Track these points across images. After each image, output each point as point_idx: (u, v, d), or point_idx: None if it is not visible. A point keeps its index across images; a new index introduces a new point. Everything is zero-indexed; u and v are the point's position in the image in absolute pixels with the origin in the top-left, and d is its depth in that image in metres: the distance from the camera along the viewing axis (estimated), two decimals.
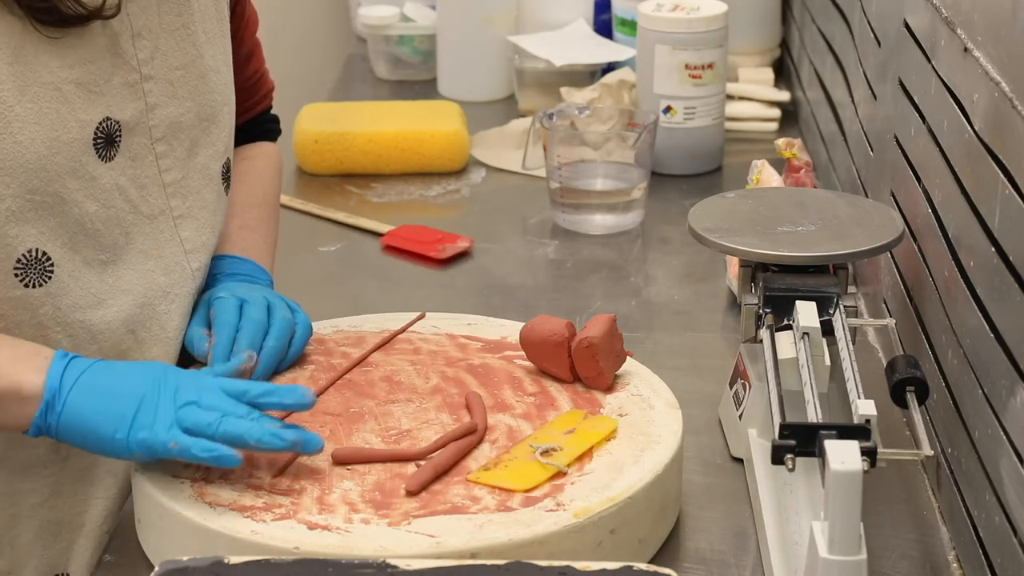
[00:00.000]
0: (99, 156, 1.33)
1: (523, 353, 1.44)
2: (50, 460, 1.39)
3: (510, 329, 1.51)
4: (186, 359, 1.44)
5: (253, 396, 1.28)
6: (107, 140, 1.33)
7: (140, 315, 1.39)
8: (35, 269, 1.31)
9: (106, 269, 1.36)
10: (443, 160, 2.19)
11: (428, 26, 2.56)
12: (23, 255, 1.30)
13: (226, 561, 1.12)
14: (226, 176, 1.48)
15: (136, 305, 1.39)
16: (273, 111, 1.71)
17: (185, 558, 1.12)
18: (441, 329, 1.52)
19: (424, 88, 2.55)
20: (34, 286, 1.31)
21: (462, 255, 1.94)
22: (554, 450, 1.30)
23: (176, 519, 1.23)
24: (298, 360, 1.45)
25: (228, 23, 1.49)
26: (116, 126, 1.34)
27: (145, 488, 1.27)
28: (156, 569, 1.12)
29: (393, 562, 1.11)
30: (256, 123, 1.66)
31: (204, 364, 1.41)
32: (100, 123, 1.33)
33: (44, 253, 1.31)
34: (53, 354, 1.28)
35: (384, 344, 1.49)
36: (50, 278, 1.32)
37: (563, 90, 2.28)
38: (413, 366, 1.45)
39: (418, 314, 1.54)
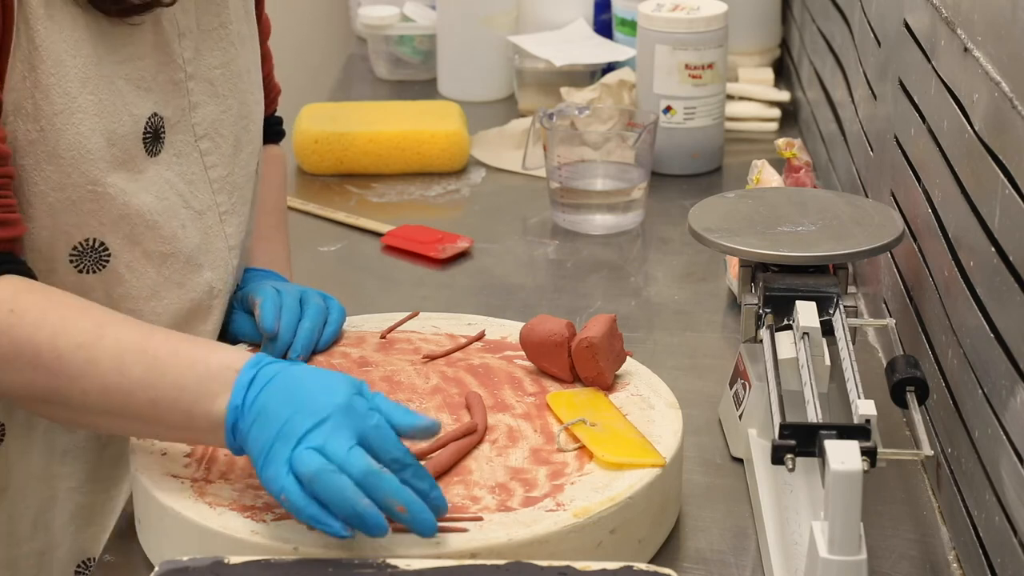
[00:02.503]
0: (146, 151, 1.35)
1: (523, 353, 1.44)
2: (90, 447, 1.41)
3: (510, 329, 1.51)
4: None
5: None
6: (154, 135, 1.36)
7: (188, 309, 1.41)
8: (90, 257, 1.33)
9: (165, 261, 1.38)
10: (443, 160, 2.19)
11: (428, 26, 2.56)
12: (80, 243, 1.32)
13: (226, 561, 1.12)
14: (257, 172, 1.51)
15: (186, 299, 1.41)
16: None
17: (185, 558, 1.12)
18: (441, 329, 1.52)
19: (424, 88, 2.55)
20: (88, 272, 1.34)
21: (462, 255, 1.94)
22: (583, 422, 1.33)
23: (176, 519, 1.23)
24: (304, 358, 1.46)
25: (256, 26, 1.52)
26: (161, 122, 1.37)
27: (145, 488, 1.27)
28: (156, 569, 1.12)
29: (393, 562, 1.11)
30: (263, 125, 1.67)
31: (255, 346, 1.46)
32: (149, 118, 1.35)
33: (101, 243, 1.33)
34: (242, 366, 1.20)
35: (390, 332, 1.51)
36: (104, 266, 1.34)
37: (563, 90, 2.28)
38: (413, 366, 1.45)
39: (409, 313, 1.54)
